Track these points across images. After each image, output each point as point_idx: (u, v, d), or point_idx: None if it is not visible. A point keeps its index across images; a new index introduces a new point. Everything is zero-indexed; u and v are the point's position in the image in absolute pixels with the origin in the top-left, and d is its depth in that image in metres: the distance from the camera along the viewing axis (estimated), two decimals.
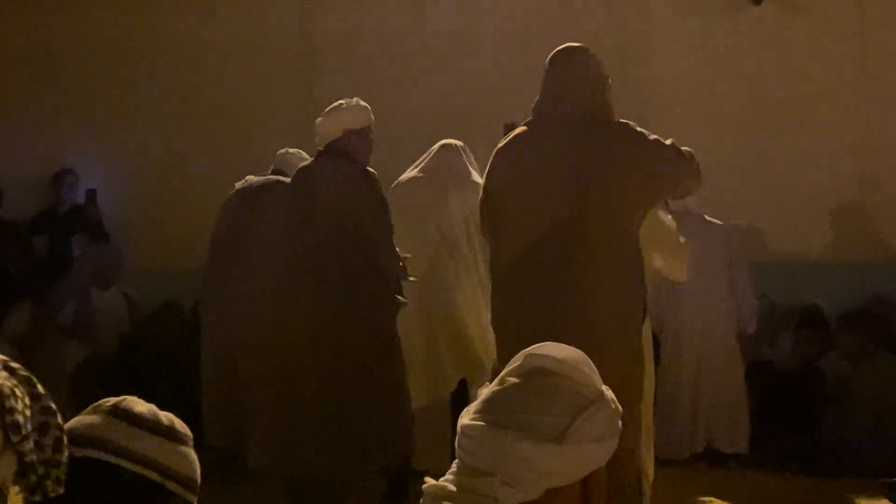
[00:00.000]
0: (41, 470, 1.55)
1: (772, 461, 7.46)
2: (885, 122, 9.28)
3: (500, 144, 4.94)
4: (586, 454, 1.78)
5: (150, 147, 9.64)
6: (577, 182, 4.65)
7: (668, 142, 4.78)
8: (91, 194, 9.46)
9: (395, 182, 6.79)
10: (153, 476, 1.84)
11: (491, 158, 4.95)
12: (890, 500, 6.05)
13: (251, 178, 6.19)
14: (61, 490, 1.60)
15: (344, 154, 5.91)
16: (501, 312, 4.80)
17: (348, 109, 6.04)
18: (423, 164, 6.90)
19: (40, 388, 1.57)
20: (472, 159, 6.85)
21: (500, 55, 9.48)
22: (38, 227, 9.31)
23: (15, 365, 1.57)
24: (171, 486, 1.86)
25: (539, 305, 4.62)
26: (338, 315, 5.71)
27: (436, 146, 6.91)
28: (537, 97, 4.93)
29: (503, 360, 3.77)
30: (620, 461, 4.45)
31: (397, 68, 9.50)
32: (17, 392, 1.52)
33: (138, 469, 1.84)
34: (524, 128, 4.89)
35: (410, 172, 6.89)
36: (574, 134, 4.74)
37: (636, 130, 4.78)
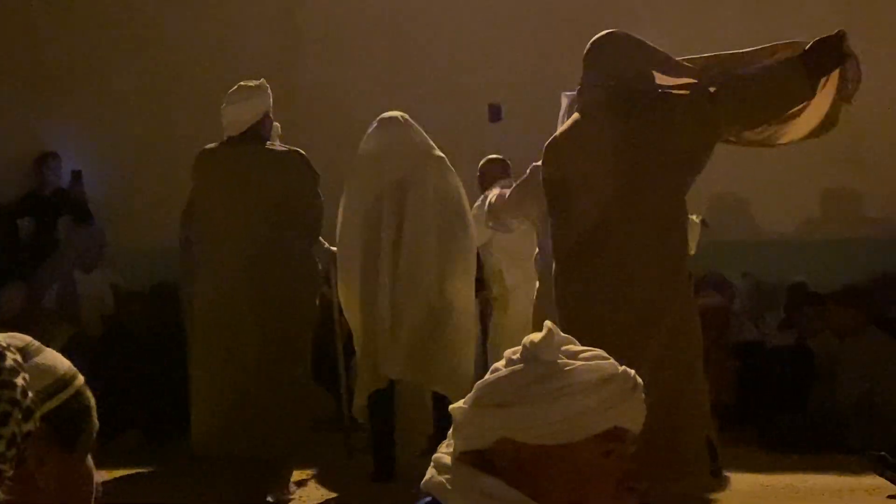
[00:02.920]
0: None
1: (760, 438, 7.50)
2: (870, 101, 9.27)
3: (557, 133, 5.17)
4: (489, 418, 1.77)
5: (133, 129, 9.61)
6: (629, 159, 4.85)
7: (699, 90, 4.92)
8: (76, 175, 9.44)
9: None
10: None
11: (544, 152, 5.16)
12: (876, 472, 6.10)
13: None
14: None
15: (263, 138, 6.10)
16: (565, 294, 4.99)
17: (265, 92, 6.15)
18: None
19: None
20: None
21: (483, 37, 9.46)
22: (23, 210, 9.28)
23: None
24: None
25: (599, 286, 4.85)
26: (268, 296, 5.96)
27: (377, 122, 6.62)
28: (581, 84, 5.10)
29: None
30: (677, 423, 4.72)
31: (379, 53, 9.48)
32: None
33: None
34: (577, 115, 5.09)
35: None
36: (624, 113, 4.92)
37: (685, 96, 4.92)
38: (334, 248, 6.50)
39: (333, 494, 6.30)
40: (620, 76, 4.99)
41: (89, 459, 1.59)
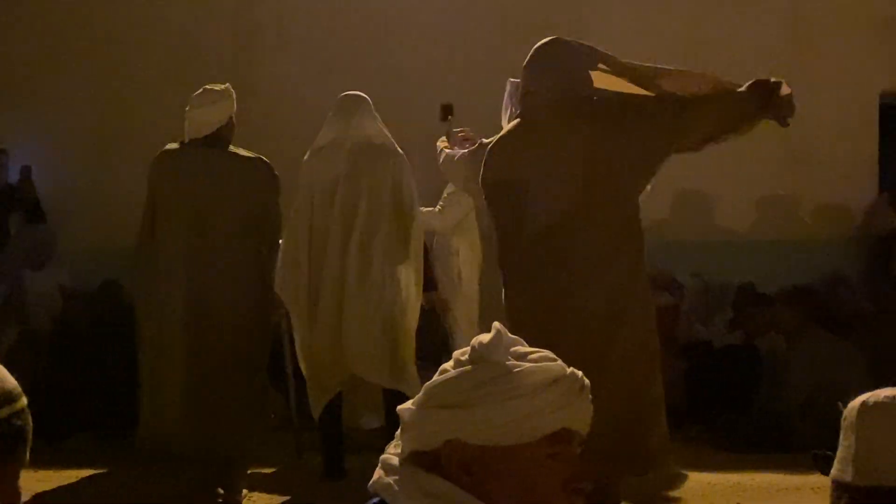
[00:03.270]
0: None
1: (708, 437, 7.56)
2: (813, 103, 9.39)
3: (496, 138, 5.18)
4: (437, 419, 1.78)
5: (84, 126, 9.53)
6: (577, 162, 4.88)
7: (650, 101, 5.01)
8: (26, 171, 9.33)
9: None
10: None
11: (486, 153, 5.16)
12: (821, 472, 6.16)
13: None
14: None
15: (227, 142, 6.09)
16: (516, 299, 5.03)
17: (230, 96, 6.14)
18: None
19: None
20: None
21: (435, 36, 9.47)
22: None
23: None
24: None
25: (550, 291, 4.90)
26: (224, 299, 5.95)
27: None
28: (523, 90, 5.14)
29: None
30: (643, 418, 4.79)
31: (332, 50, 9.46)
32: None
33: None
34: (518, 120, 5.12)
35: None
36: (567, 118, 4.96)
37: (617, 101, 5.00)
38: None
39: (285, 495, 6.29)
40: (565, 82, 5.01)
41: (19, 480, 1.59)
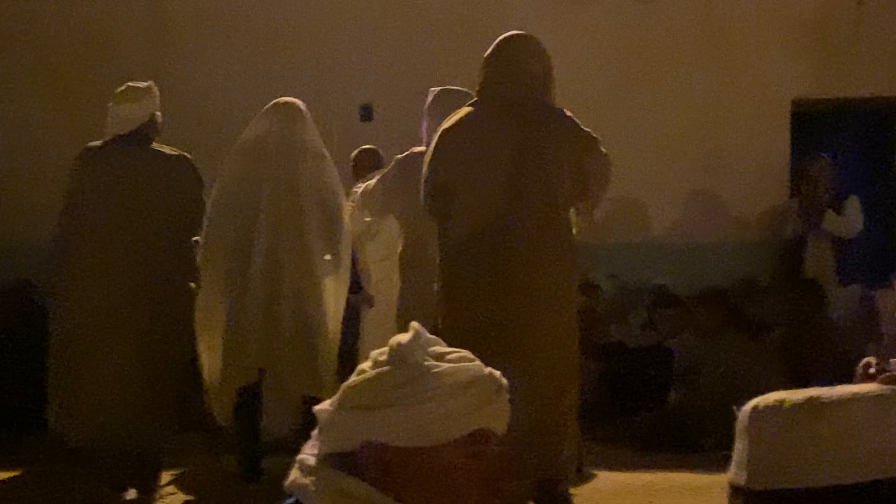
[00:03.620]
0: None
1: (620, 437, 7.63)
2: (727, 109, 9.54)
3: (445, 125, 5.10)
4: (355, 420, 1.79)
5: None
6: (517, 165, 4.89)
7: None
8: None
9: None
10: None
11: (435, 139, 5.11)
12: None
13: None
14: None
15: (150, 139, 6.06)
16: (449, 294, 5.01)
17: (153, 93, 6.11)
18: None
19: None
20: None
21: (354, 38, 9.44)
22: None
23: None
24: None
25: (484, 286, 4.90)
26: (144, 296, 5.90)
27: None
28: (481, 80, 5.09)
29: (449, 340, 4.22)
30: (561, 421, 4.82)
31: (250, 51, 9.40)
32: None
33: None
34: (470, 108, 5.06)
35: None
36: (517, 118, 4.95)
37: (574, 121, 5.05)
38: None
39: (199, 496, 6.24)
40: (523, 83, 5.01)
41: None
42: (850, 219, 8.86)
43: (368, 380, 1.80)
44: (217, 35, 9.46)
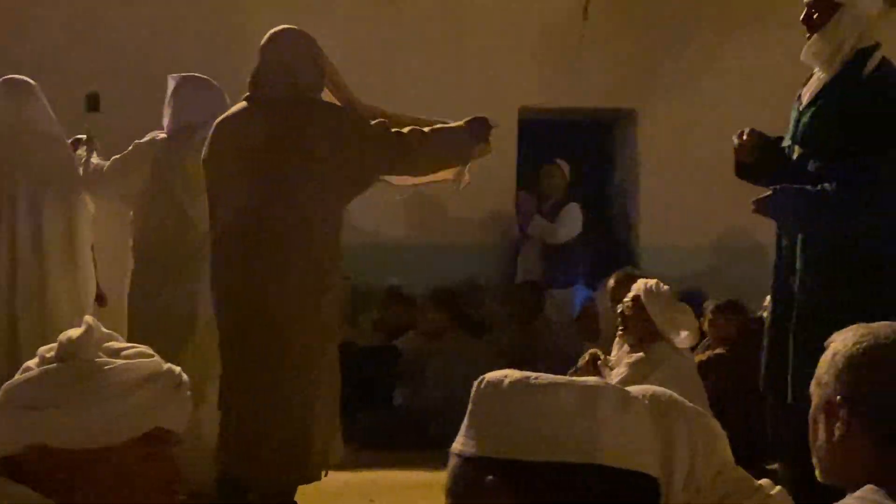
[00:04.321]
0: None
1: (345, 436, 7.64)
2: (457, 114, 9.67)
3: (220, 117, 5.13)
4: (18, 422, 1.70)
5: None
6: (268, 165, 4.85)
7: (373, 122, 5.05)
8: None
9: None
10: None
11: (212, 130, 5.10)
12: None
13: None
14: None
15: None
16: (213, 285, 5.05)
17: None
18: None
19: None
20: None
21: (80, 27, 9.15)
22: None
23: None
24: None
25: (234, 279, 4.91)
26: None
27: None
28: (251, 75, 5.09)
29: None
30: (301, 419, 4.76)
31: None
32: None
33: None
34: (243, 103, 5.08)
35: None
36: (276, 114, 4.93)
37: (339, 109, 5.08)
38: None
39: None
40: (290, 81, 4.98)
41: None
42: (563, 224, 9.18)
43: (32, 378, 1.70)
44: None
